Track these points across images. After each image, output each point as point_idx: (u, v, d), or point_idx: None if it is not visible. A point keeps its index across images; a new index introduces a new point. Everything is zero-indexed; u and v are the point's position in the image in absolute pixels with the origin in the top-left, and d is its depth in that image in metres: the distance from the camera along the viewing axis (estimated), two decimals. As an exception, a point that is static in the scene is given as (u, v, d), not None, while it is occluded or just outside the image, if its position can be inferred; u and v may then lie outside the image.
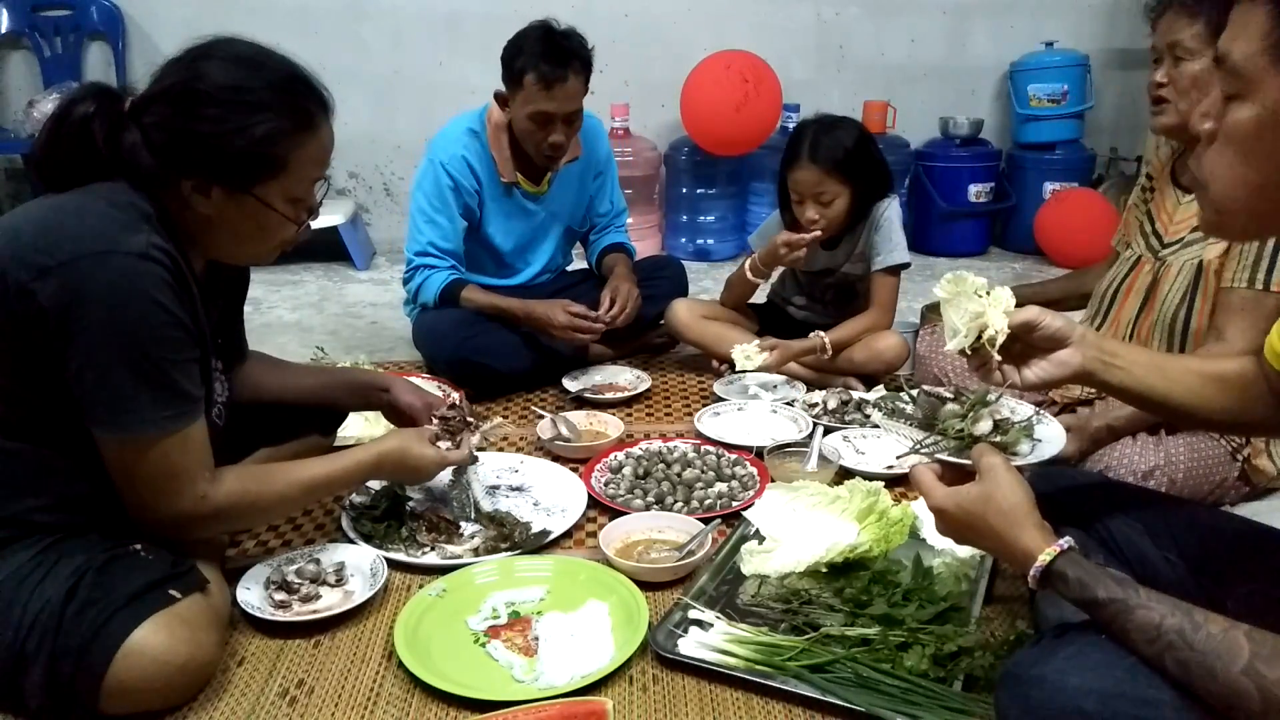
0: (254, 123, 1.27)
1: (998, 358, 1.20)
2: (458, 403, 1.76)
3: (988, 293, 1.20)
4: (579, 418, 2.23)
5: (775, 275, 2.68)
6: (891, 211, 2.42)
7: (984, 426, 1.21)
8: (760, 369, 2.37)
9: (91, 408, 1.22)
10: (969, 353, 1.21)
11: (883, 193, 2.41)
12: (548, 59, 2.27)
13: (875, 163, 2.39)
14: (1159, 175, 2.03)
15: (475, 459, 1.77)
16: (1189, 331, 1.86)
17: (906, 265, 2.44)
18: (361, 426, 2.09)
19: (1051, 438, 1.25)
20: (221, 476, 1.34)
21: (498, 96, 2.43)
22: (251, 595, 1.47)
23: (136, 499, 1.29)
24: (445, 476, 1.73)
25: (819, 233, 2.34)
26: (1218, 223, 0.98)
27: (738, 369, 2.37)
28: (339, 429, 1.93)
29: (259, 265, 1.45)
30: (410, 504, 1.74)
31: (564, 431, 2.13)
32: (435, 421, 1.70)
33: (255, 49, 1.33)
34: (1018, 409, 1.28)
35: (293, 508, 1.57)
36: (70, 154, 1.28)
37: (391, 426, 1.83)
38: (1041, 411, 1.30)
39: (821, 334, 2.42)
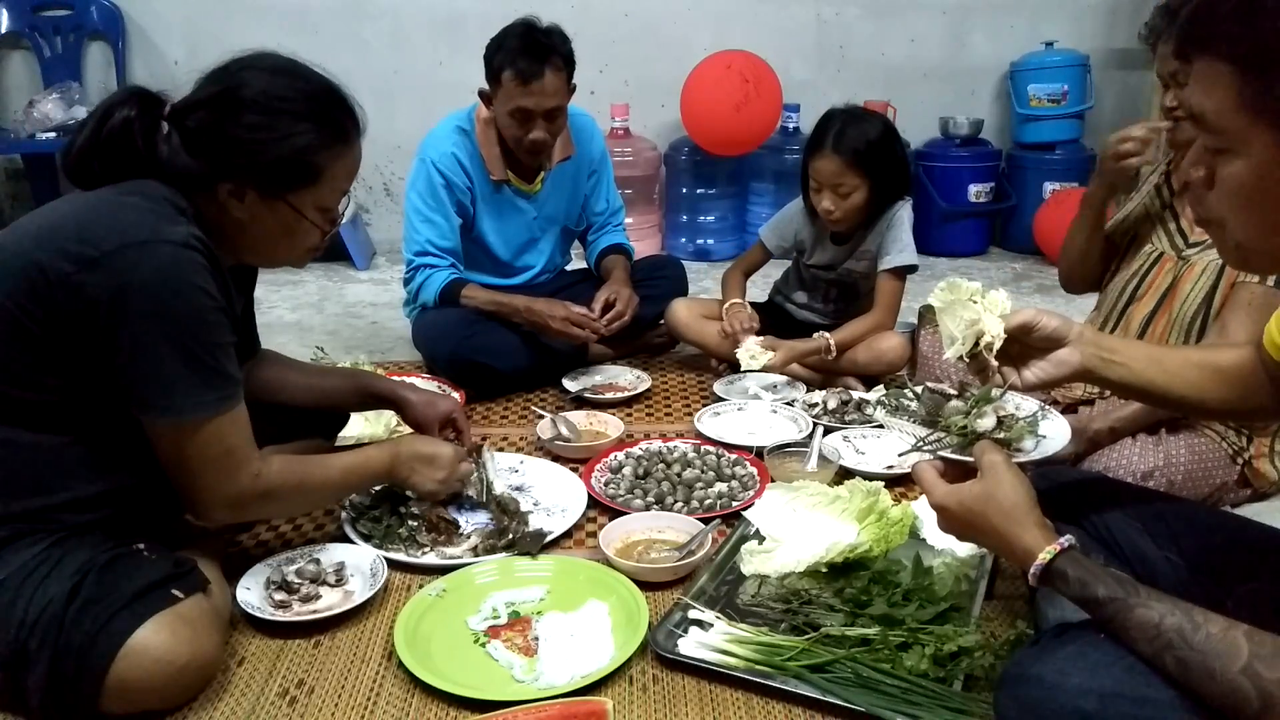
0: (295, 132, 1.33)
1: (995, 363, 1.20)
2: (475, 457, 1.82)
3: (983, 297, 1.20)
4: (579, 418, 2.23)
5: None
6: (904, 213, 2.42)
7: (987, 423, 1.21)
8: (765, 369, 2.37)
9: (143, 394, 1.25)
10: (967, 359, 1.21)
11: (900, 193, 2.41)
12: (525, 55, 2.27)
13: (897, 161, 2.38)
14: None
15: (492, 455, 1.83)
16: (1207, 331, 1.84)
17: (913, 269, 2.43)
18: (362, 426, 2.09)
19: (1056, 434, 1.25)
20: (269, 457, 1.38)
21: (482, 95, 2.42)
22: (251, 595, 1.48)
23: (195, 483, 1.31)
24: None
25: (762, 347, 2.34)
26: (1242, 258, 0.97)
27: (743, 368, 2.36)
28: (340, 432, 1.93)
29: (290, 267, 1.50)
30: (410, 504, 1.73)
31: (564, 431, 2.13)
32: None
33: (293, 63, 1.38)
34: (1023, 405, 1.28)
35: (330, 493, 1.61)
36: (109, 155, 1.32)
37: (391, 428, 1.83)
38: (1047, 407, 1.30)
39: (826, 335, 2.42)
